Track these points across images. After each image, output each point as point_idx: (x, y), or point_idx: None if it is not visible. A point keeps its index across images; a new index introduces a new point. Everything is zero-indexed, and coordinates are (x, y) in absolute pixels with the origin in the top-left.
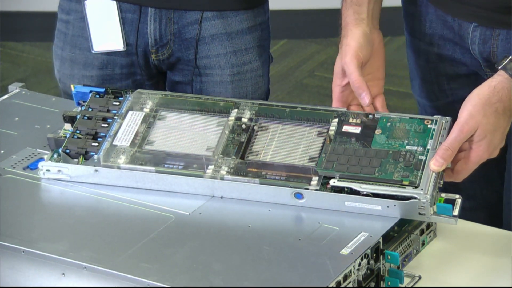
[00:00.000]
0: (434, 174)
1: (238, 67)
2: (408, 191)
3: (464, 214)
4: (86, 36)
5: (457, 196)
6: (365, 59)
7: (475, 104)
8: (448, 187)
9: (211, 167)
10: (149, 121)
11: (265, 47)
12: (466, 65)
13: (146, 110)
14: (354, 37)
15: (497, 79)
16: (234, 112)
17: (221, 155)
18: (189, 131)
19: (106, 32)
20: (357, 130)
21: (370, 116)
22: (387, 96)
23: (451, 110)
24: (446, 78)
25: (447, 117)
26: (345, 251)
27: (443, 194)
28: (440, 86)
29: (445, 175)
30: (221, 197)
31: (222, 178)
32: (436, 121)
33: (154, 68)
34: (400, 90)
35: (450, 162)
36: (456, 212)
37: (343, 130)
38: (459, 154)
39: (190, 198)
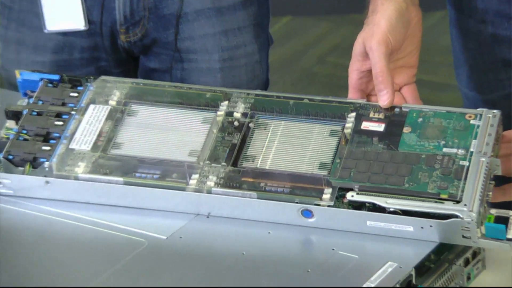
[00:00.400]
0: (481, 184)
1: (230, 51)
2: (447, 208)
3: None
4: (37, 12)
5: (511, 212)
6: (397, 44)
7: None
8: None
9: (195, 176)
10: (116, 118)
11: (263, 26)
12: None
13: (112, 103)
14: (386, 15)
15: None
16: (224, 106)
17: (208, 162)
18: (167, 130)
19: (62, 7)
20: (380, 127)
21: (396, 109)
22: (417, 87)
23: (510, 104)
24: (503, 65)
25: (494, 111)
26: (368, 286)
27: (493, 211)
28: (496, 74)
29: (496, 191)
30: (208, 216)
31: (209, 191)
32: (481, 115)
33: (124, 52)
34: (435, 80)
35: (503, 157)
36: (511, 234)
37: (362, 127)
38: None
39: (168, 218)
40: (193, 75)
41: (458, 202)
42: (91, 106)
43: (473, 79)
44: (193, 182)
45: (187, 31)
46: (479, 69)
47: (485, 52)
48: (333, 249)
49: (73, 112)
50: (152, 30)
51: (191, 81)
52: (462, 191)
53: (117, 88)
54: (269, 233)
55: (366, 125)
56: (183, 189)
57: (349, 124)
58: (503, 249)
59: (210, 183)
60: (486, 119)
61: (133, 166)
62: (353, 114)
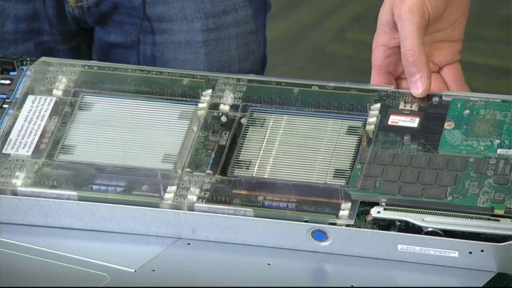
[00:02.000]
0: None
1: (216, 18)
2: (504, 227)
3: None
4: None
5: None
6: (435, 14)
7: None
8: None
9: (172, 189)
10: (63, 113)
11: None
12: None
13: (58, 93)
14: None
15: None
16: (206, 96)
17: (188, 169)
18: (133, 128)
19: None
20: (413, 122)
21: (435, 99)
22: (468, 72)
23: None
24: None
25: None
26: None
27: None
28: None
29: None
30: (189, 244)
31: (191, 208)
32: None
33: (73, 23)
34: (491, 63)
35: None
36: None
37: (389, 123)
38: None
39: (138, 244)
40: (168, 51)
41: None
42: (30, 98)
43: None
44: (169, 196)
45: None
46: None
47: None
48: (352, 286)
49: (5, 106)
50: None
51: (165, 59)
52: None
53: (63, 73)
54: (269, 264)
55: (394, 120)
56: (156, 206)
57: (373, 119)
58: None
59: (192, 197)
60: None
61: (89, 176)
62: (378, 105)
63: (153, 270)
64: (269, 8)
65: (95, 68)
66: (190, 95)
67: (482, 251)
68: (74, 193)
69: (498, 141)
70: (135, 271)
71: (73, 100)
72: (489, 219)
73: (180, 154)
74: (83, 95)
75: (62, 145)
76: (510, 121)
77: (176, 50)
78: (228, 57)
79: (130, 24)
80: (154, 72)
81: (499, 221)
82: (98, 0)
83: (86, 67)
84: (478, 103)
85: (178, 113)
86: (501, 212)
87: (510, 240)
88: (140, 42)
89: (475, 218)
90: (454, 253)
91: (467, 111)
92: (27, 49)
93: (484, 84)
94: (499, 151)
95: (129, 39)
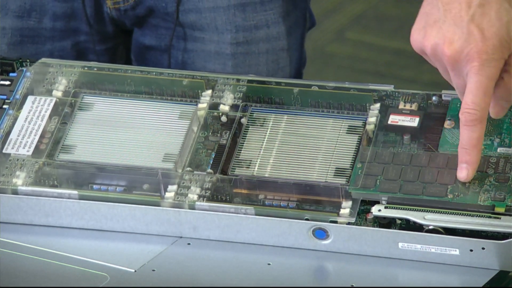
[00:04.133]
0: None
1: (246, 32)
2: (505, 224)
3: None
4: None
5: None
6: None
7: None
8: None
9: (172, 188)
10: (63, 113)
11: (296, 0)
12: None
13: (58, 93)
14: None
15: None
16: (206, 96)
17: (188, 169)
18: (133, 128)
19: None
20: (413, 122)
21: (434, 98)
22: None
23: None
24: None
25: None
26: None
27: None
28: None
29: None
30: (189, 243)
31: (192, 207)
32: None
33: (111, 24)
34: None
35: None
36: None
37: (389, 122)
38: None
39: (138, 243)
40: (198, 59)
41: None
42: (30, 98)
43: None
44: (170, 195)
45: (193, 1)
46: None
47: None
48: (353, 286)
49: (5, 106)
50: None
51: (196, 67)
52: None
53: (63, 74)
54: (269, 264)
55: (394, 119)
56: (157, 204)
57: (373, 118)
58: None
59: (193, 196)
60: None
61: (90, 175)
62: (377, 105)
63: (153, 270)
64: (310, 24)
65: (95, 69)
66: (190, 95)
67: (483, 248)
68: (74, 192)
69: (498, 139)
70: (135, 271)
71: (73, 101)
72: (490, 217)
73: (180, 154)
74: (83, 95)
75: (62, 145)
76: (509, 119)
77: (206, 59)
78: (255, 72)
79: (165, 28)
80: (154, 73)
81: (500, 219)
82: (135, 3)
83: (86, 68)
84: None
85: (178, 113)
86: (502, 210)
87: (511, 238)
88: (173, 47)
89: (476, 216)
90: (455, 251)
91: None
92: (63, 47)
93: None
94: (499, 149)
95: (163, 43)
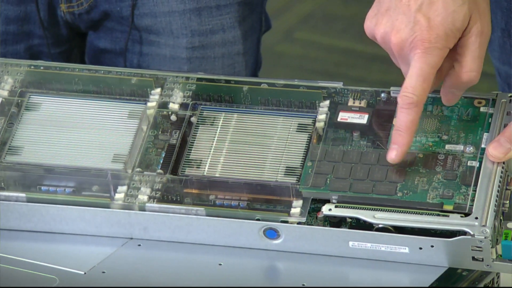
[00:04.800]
0: (496, 191)
1: (202, 37)
2: (453, 222)
3: None
4: None
5: None
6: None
7: None
8: None
9: (122, 189)
10: (10, 113)
11: (253, 4)
12: None
13: (4, 93)
14: None
15: None
16: (155, 95)
17: (138, 169)
18: (82, 128)
19: None
20: (363, 119)
21: (383, 95)
22: None
23: None
24: None
25: (511, 94)
26: None
27: (510, 224)
28: None
29: None
30: (139, 245)
31: (142, 208)
32: (494, 100)
33: (66, 27)
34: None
35: None
36: None
37: (339, 119)
38: None
39: (88, 245)
40: (153, 62)
41: (467, 214)
42: None
43: (505, 49)
44: (119, 196)
45: (148, 5)
46: None
47: None
48: (303, 285)
49: None
50: (103, 0)
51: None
52: (472, 200)
53: (8, 73)
54: (220, 265)
55: (344, 117)
56: (106, 206)
57: (322, 116)
58: None
59: (143, 197)
60: (501, 106)
61: (38, 177)
62: (327, 102)
63: (103, 272)
64: (266, 28)
65: (42, 68)
66: (139, 94)
67: (432, 246)
68: (22, 194)
69: (446, 137)
70: (85, 273)
71: (19, 101)
72: (438, 215)
73: (130, 154)
74: (30, 95)
75: (9, 146)
76: (457, 116)
77: (161, 63)
78: None
79: (120, 32)
80: (102, 72)
81: (449, 216)
82: (89, 7)
83: (32, 67)
84: (426, 99)
85: (127, 113)
86: (450, 207)
87: (459, 235)
88: (128, 50)
89: (425, 214)
90: (405, 249)
91: None
92: (16, 51)
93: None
94: (447, 146)
95: (118, 46)
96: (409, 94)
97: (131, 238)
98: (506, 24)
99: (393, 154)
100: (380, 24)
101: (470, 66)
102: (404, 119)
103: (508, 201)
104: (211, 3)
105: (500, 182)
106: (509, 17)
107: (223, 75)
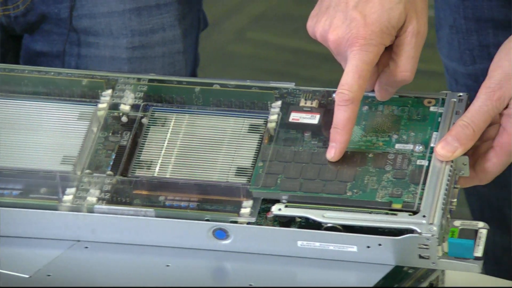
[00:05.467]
0: (444, 189)
1: (142, 36)
2: (401, 220)
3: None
4: None
5: (480, 224)
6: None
7: None
8: (472, 207)
9: (71, 191)
10: None
11: (192, 2)
12: None
13: None
14: None
15: None
16: (106, 96)
17: (88, 171)
18: (30, 130)
19: None
20: (314, 119)
21: (334, 95)
22: None
23: None
24: (492, 26)
25: (461, 93)
26: None
27: (457, 223)
28: (482, 39)
29: (462, 178)
30: (86, 247)
31: (90, 210)
32: (443, 99)
33: (0, 30)
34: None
35: (469, 149)
36: (479, 251)
37: (290, 120)
38: (485, 136)
39: (34, 247)
40: (92, 64)
41: (415, 213)
42: None
43: (453, 45)
44: (68, 198)
45: (87, 6)
46: (461, 31)
47: (469, 7)
48: (251, 285)
49: None
50: (40, 3)
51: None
52: (420, 199)
53: None
54: (168, 266)
55: (295, 117)
56: (54, 208)
57: (274, 116)
58: (471, 270)
59: (92, 199)
60: (450, 105)
61: None
62: (279, 102)
63: (49, 275)
64: (204, 26)
65: None
66: (90, 95)
67: (379, 245)
68: None
69: (396, 136)
70: (30, 276)
71: None
72: (387, 214)
73: (79, 156)
74: None
75: None
76: (407, 116)
77: (100, 65)
78: None
79: (57, 34)
80: (52, 73)
81: (397, 215)
82: (26, 10)
83: None
84: (376, 99)
85: (78, 114)
86: (398, 206)
87: (407, 234)
88: (66, 53)
89: (374, 213)
90: (353, 247)
91: (366, 107)
92: None
93: (421, 85)
94: (397, 146)
95: (55, 49)
96: (345, 91)
97: (78, 241)
98: (454, 20)
99: (332, 152)
100: (319, 22)
101: (404, 66)
102: (341, 117)
103: (455, 200)
104: (150, 2)
105: (448, 180)
106: (457, 14)
107: (163, 74)
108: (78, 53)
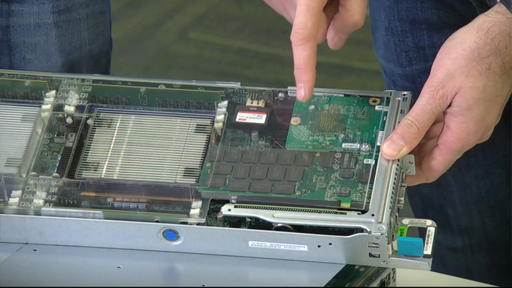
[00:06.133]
0: (391, 188)
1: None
2: (350, 219)
3: (447, 256)
4: None
5: (429, 222)
6: None
7: (456, 57)
8: (414, 207)
9: (17, 193)
10: None
11: None
12: (455, 8)
13: None
14: None
15: (492, 19)
16: (50, 97)
17: (33, 173)
18: None
19: None
20: (261, 119)
21: (280, 94)
22: (345, 73)
23: None
24: (426, 27)
25: (405, 92)
26: None
27: (405, 221)
28: (417, 41)
29: (409, 177)
30: (35, 250)
31: (37, 212)
32: (388, 98)
33: None
34: (332, 60)
35: (414, 148)
36: (428, 249)
37: (237, 120)
38: (429, 134)
39: None
40: (16, 34)
41: (363, 212)
42: None
43: (389, 47)
44: (14, 201)
45: None
46: (397, 33)
47: (403, 9)
48: (204, 286)
49: None
50: None
51: (13, 43)
52: (369, 197)
53: None
54: (119, 268)
55: (242, 117)
56: (0, 211)
57: (220, 116)
58: (421, 268)
59: (38, 201)
60: (395, 104)
61: None
62: (225, 102)
63: None
64: None
65: None
66: (33, 97)
67: (330, 244)
68: None
69: (343, 135)
70: None
71: None
72: (336, 213)
73: (24, 158)
74: None
75: None
76: (353, 115)
77: (24, 34)
78: (79, 38)
79: None
80: None
81: (346, 214)
82: None
83: None
84: (322, 98)
85: (21, 116)
86: (347, 205)
87: (356, 233)
88: None
89: (323, 212)
90: (304, 247)
91: (312, 107)
92: None
93: (325, 82)
94: (344, 145)
95: None
96: (300, 30)
97: (26, 243)
98: (389, 22)
99: (302, 92)
100: None
101: (354, 9)
102: (300, 56)
103: (403, 198)
104: None
105: (395, 179)
106: (391, 16)
107: (89, 36)
108: (7, 24)
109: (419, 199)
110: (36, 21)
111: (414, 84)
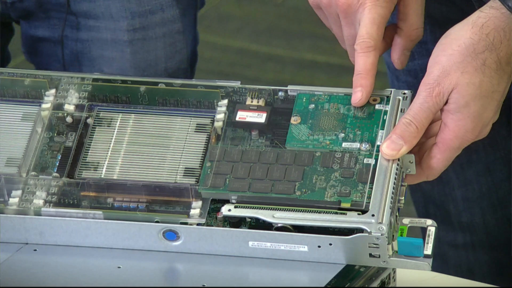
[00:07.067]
0: (391, 187)
1: (142, 18)
2: (350, 220)
3: (448, 256)
4: None
5: (429, 221)
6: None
7: (451, 53)
8: (416, 203)
9: (17, 193)
10: None
11: None
12: (457, 4)
13: None
14: None
15: (487, 14)
16: (50, 96)
17: (33, 173)
18: None
19: None
20: (261, 118)
21: (280, 93)
22: (309, 70)
23: None
24: (429, 22)
25: (405, 91)
26: None
27: (405, 220)
28: None
29: (409, 175)
30: (35, 250)
31: (37, 213)
32: (388, 97)
33: None
34: (332, 61)
35: (413, 147)
36: (429, 249)
37: (237, 119)
38: (429, 132)
39: None
40: (94, 48)
41: (363, 212)
42: None
43: None
44: (14, 201)
45: None
46: None
47: None
48: (204, 286)
49: None
50: None
51: (92, 56)
52: (369, 197)
53: None
54: (119, 268)
55: (242, 116)
56: (1, 211)
57: (221, 115)
58: (421, 268)
59: (38, 202)
60: (395, 103)
61: None
62: (225, 101)
63: None
64: (200, 5)
65: None
66: (33, 95)
67: (330, 244)
68: None
69: (343, 134)
70: None
71: None
72: (336, 213)
73: (24, 157)
74: None
75: None
76: (353, 114)
77: (102, 48)
78: (154, 56)
79: (57, 19)
80: None
81: (346, 214)
82: None
83: None
84: (323, 97)
85: (21, 115)
86: (347, 205)
87: (356, 233)
88: (67, 37)
89: (323, 212)
90: (304, 247)
91: (312, 106)
92: None
93: (325, 82)
94: (344, 144)
95: (56, 34)
96: (366, 39)
97: (27, 243)
98: (392, 17)
99: (359, 95)
100: None
101: (416, 23)
102: (364, 62)
103: (403, 197)
104: None
105: (395, 179)
106: (394, 11)
107: (165, 54)
108: (78, 37)
109: (421, 195)
110: (112, 37)
111: (417, 79)
